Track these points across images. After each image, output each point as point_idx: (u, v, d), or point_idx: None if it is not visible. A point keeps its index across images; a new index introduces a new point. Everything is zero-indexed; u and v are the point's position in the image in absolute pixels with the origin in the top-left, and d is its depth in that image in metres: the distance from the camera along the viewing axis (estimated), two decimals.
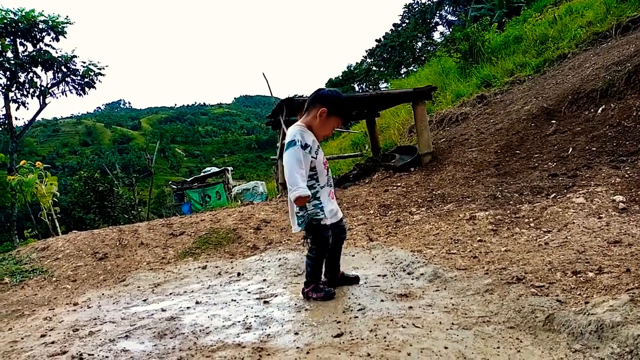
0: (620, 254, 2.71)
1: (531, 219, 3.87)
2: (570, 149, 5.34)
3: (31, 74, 15.42)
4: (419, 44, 33.99)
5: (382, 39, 38.13)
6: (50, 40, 15.17)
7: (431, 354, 1.90)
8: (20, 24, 14.33)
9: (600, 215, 3.52)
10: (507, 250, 3.23)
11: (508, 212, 4.19)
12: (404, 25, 37.46)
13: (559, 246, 3.08)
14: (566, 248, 3.00)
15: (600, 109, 5.76)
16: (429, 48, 29.28)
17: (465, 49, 11.52)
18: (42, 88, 15.57)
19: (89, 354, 2.29)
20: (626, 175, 4.23)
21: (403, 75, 26.13)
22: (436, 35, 33.75)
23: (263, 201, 9.01)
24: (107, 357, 2.24)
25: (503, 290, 2.52)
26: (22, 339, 2.69)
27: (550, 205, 4.00)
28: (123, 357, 2.21)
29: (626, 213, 3.52)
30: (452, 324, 2.20)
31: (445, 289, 2.76)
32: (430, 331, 2.13)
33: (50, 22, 14.81)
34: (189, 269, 4.13)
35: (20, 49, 14.98)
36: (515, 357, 1.86)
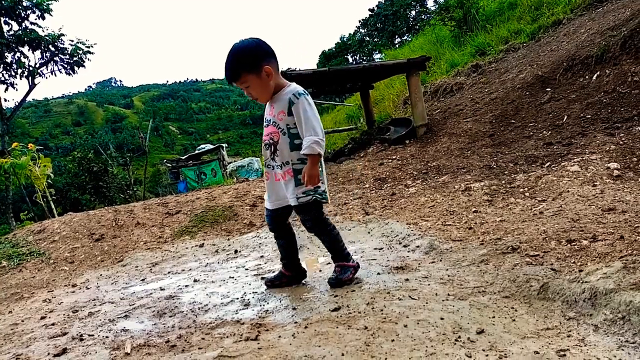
0: (614, 221, 2.73)
1: (526, 189, 3.88)
2: (565, 117, 5.32)
3: (18, 54, 15.15)
4: (413, 12, 33.47)
5: (376, 9, 37.48)
6: (35, 19, 14.86)
7: (427, 325, 1.92)
8: (3, 2, 13.99)
9: (595, 183, 3.53)
10: (502, 221, 3.24)
11: (503, 182, 4.20)
12: None
13: (553, 215, 3.09)
14: (561, 217, 3.02)
15: (595, 75, 5.72)
16: (423, 17, 28.86)
17: (459, 16, 11.35)
18: (31, 68, 15.33)
19: (89, 335, 2.31)
20: (621, 142, 4.23)
21: (397, 45, 25.80)
22: (430, 3, 33.23)
23: (258, 177, 9.00)
24: (107, 337, 2.26)
25: (498, 260, 2.54)
26: (22, 321, 2.70)
27: (545, 174, 4.01)
28: (123, 337, 2.23)
29: (620, 180, 3.53)
30: (448, 295, 2.23)
31: (441, 260, 2.78)
32: (427, 303, 2.15)
33: None
34: (186, 248, 4.14)
35: (5, 28, 14.67)
36: (510, 326, 1.88)
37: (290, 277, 2.66)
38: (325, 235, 2.56)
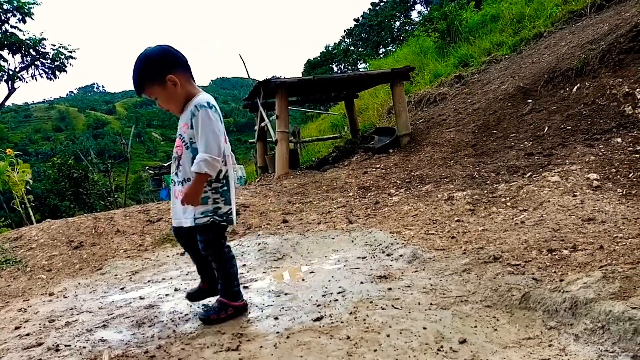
0: (595, 231, 2.77)
1: (508, 199, 3.92)
2: (546, 128, 5.41)
3: None
4: (398, 23, 33.86)
5: (361, 19, 37.85)
6: (16, 22, 14.60)
7: (410, 334, 1.91)
8: None
9: (575, 194, 3.58)
10: (484, 230, 3.27)
11: (485, 192, 4.24)
12: (382, 4, 37.19)
13: (534, 225, 3.13)
14: (542, 227, 3.05)
15: (576, 87, 5.83)
16: (407, 28, 29.21)
17: (443, 28, 11.51)
18: (11, 72, 15.05)
19: (65, 345, 2.25)
20: (600, 154, 4.31)
21: (382, 56, 26.03)
22: (414, 15, 33.69)
23: (242, 185, 8.96)
24: (84, 347, 2.20)
25: (480, 269, 2.55)
26: None
27: (526, 185, 4.05)
28: (101, 347, 2.17)
29: (600, 191, 3.59)
30: (431, 304, 2.22)
31: (424, 269, 2.78)
32: (410, 312, 2.14)
33: (15, 2, 14.25)
34: (167, 256, 4.08)
35: None
36: (492, 335, 1.88)
37: (206, 290, 2.49)
38: (219, 263, 2.32)
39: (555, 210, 3.33)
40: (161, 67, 2.18)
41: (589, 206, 3.27)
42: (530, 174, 4.40)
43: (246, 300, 2.42)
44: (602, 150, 4.36)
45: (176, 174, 2.28)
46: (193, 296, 2.53)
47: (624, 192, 3.48)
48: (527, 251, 2.64)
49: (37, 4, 14.75)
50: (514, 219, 3.41)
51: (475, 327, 1.96)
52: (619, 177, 3.80)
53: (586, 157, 4.31)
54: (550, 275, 2.26)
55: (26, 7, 14.53)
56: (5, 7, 14.17)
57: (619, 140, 4.45)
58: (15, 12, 14.43)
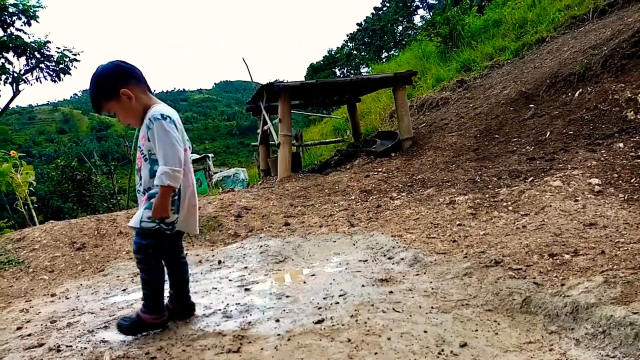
0: (596, 236, 2.77)
1: (509, 203, 3.92)
2: (548, 133, 5.41)
3: (2, 60, 14.93)
4: (400, 27, 33.90)
5: (363, 23, 37.88)
6: (21, 25, 14.68)
7: (411, 337, 1.91)
8: None
9: (577, 198, 3.58)
10: (485, 234, 3.27)
11: (487, 196, 4.24)
12: (385, 8, 37.24)
13: (536, 229, 3.13)
14: (543, 231, 3.05)
15: (578, 92, 5.83)
16: (409, 32, 29.26)
17: (445, 33, 11.51)
18: (15, 74, 15.12)
19: (67, 346, 2.26)
20: (602, 159, 4.31)
21: (384, 60, 26.07)
22: (417, 19, 33.71)
23: (244, 188, 8.97)
24: (85, 348, 2.21)
25: (481, 273, 2.55)
26: None
27: (528, 189, 4.05)
28: (102, 348, 2.18)
29: (602, 196, 3.58)
30: (432, 307, 2.23)
31: (425, 273, 2.79)
32: (410, 315, 2.15)
33: (20, 5, 14.33)
34: None
35: None
36: (493, 339, 1.88)
37: (171, 310, 2.42)
38: (144, 272, 2.27)
39: (556, 215, 3.33)
40: (114, 82, 2.20)
41: (591, 211, 3.27)
42: (531, 178, 4.40)
43: (166, 317, 2.32)
44: (604, 155, 4.36)
45: (140, 184, 2.30)
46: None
47: (626, 197, 3.48)
48: (528, 255, 2.64)
49: (42, 7, 14.84)
50: (515, 223, 3.41)
51: (476, 330, 1.96)
52: (620, 182, 3.80)
53: (588, 161, 4.31)
54: (551, 279, 2.26)
55: (31, 10, 14.61)
56: (10, 9, 14.25)
57: (621, 145, 4.45)
58: (20, 15, 14.52)
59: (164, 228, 2.23)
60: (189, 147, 2.41)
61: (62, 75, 15.76)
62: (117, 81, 2.21)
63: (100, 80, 2.23)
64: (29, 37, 14.99)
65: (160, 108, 2.22)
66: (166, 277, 2.38)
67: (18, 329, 2.64)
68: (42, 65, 15.60)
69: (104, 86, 2.22)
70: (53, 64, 15.66)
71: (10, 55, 14.99)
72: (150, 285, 2.28)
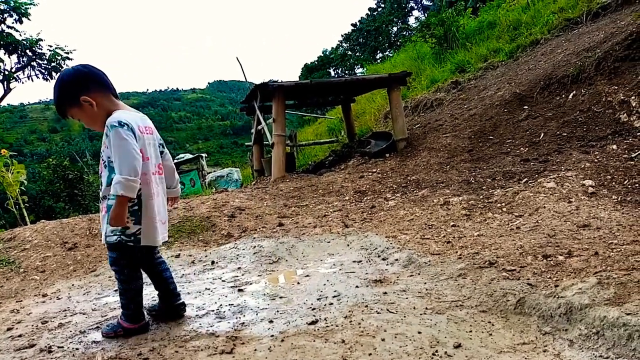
0: (589, 237, 2.78)
1: (503, 204, 3.93)
2: (542, 134, 5.43)
3: None
4: (395, 28, 33.98)
5: (358, 24, 37.94)
6: (12, 22, 14.58)
7: (405, 338, 1.91)
8: None
9: (570, 200, 3.59)
10: (479, 235, 3.27)
11: (481, 197, 4.24)
12: (379, 9, 37.32)
13: (530, 230, 3.13)
14: (537, 232, 3.06)
15: (571, 94, 5.86)
16: (404, 33, 29.30)
17: (440, 34, 11.55)
18: (6, 72, 15.01)
19: (58, 347, 2.23)
20: (595, 160, 4.33)
21: (379, 60, 26.13)
22: (412, 20, 33.81)
23: (237, 188, 8.94)
24: (77, 349, 2.19)
25: (475, 274, 2.55)
26: None
27: (522, 190, 4.06)
28: (94, 349, 2.16)
29: (595, 197, 3.60)
30: (426, 308, 2.22)
31: (419, 274, 2.78)
32: (404, 316, 2.14)
33: (12, 2, 14.23)
34: None
35: None
36: (487, 340, 1.88)
37: (161, 309, 2.48)
38: (119, 282, 2.31)
39: (550, 216, 3.34)
40: (74, 89, 2.17)
41: (584, 212, 3.28)
42: (525, 179, 4.41)
43: (145, 322, 2.33)
44: (597, 157, 4.38)
45: (101, 190, 2.28)
46: (151, 313, 2.50)
47: (619, 199, 3.50)
48: (522, 256, 2.65)
49: (34, 4, 14.74)
50: (510, 224, 3.41)
51: (470, 331, 1.96)
52: (614, 183, 3.82)
53: (581, 163, 4.33)
54: (545, 280, 2.27)
55: (23, 8, 14.51)
56: (1, 7, 14.14)
57: (614, 147, 4.48)
58: (11, 12, 14.41)
59: (124, 240, 2.20)
60: (158, 154, 2.39)
61: (54, 74, 15.67)
62: (78, 88, 2.17)
63: (61, 87, 2.20)
64: (21, 35, 14.89)
65: (119, 115, 2.17)
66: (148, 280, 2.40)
67: (8, 329, 2.61)
68: (33, 63, 15.50)
69: (65, 93, 2.19)
70: (45, 62, 15.57)
71: (1, 53, 14.89)
72: (126, 294, 2.30)
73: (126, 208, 2.09)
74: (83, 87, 2.17)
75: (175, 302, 2.46)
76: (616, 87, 5.34)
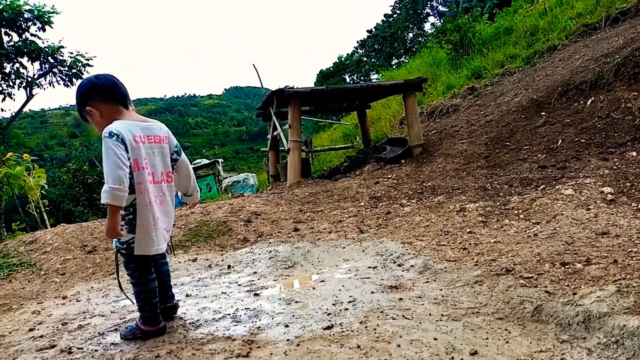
0: (608, 245, 2.74)
1: (520, 211, 3.90)
2: (560, 141, 5.37)
3: (17, 65, 15.16)
4: (410, 34, 33.93)
5: (374, 30, 37.96)
6: (36, 30, 14.91)
7: (421, 345, 1.91)
8: (4, 14, 14.06)
9: (589, 207, 3.55)
10: (496, 242, 3.25)
11: (498, 203, 4.21)
12: (395, 15, 37.32)
13: (547, 237, 3.10)
14: (555, 239, 3.02)
15: (590, 100, 5.80)
16: (420, 39, 29.25)
17: (456, 40, 11.51)
18: (29, 79, 15.34)
19: (78, 348, 2.28)
20: (614, 167, 4.27)
21: (394, 66, 26.08)
22: (427, 26, 33.72)
23: (253, 193, 8.99)
24: (96, 350, 2.23)
25: (492, 281, 2.53)
26: (9, 333, 2.66)
27: (539, 197, 4.02)
28: (113, 351, 2.20)
29: (614, 204, 3.55)
30: (442, 315, 2.22)
31: (435, 280, 2.77)
32: (420, 322, 2.14)
33: (35, 11, 14.56)
34: (179, 262, 4.11)
35: (5, 39, 14.70)
36: (503, 347, 1.87)
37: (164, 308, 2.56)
38: (134, 286, 2.39)
39: (568, 223, 3.30)
40: (83, 98, 2.34)
41: (603, 220, 3.24)
42: (543, 186, 4.37)
43: (163, 325, 2.37)
44: (617, 164, 4.32)
45: None
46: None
47: (639, 206, 3.44)
48: (539, 264, 2.62)
49: (57, 13, 15.07)
50: (527, 231, 3.38)
51: (487, 338, 1.95)
52: (633, 190, 3.76)
53: (600, 170, 4.27)
54: (563, 288, 2.24)
55: (46, 16, 14.84)
56: (25, 15, 14.49)
57: (634, 153, 4.41)
58: (35, 21, 14.75)
59: (119, 247, 2.30)
60: (167, 162, 2.44)
61: (74, 80, 15.96)
62: (85, 97, 2.34)
63: (76, 95, 2.38)
64: (43, 42, 15.22)
65: (114, 125, 2.24)
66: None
67: (30, 330, 2.67)
68: (55, 70, 15.82)
69: (77, 100, 2.37)
70: (66, 68, 15.87)
71: (24, 60, 15.22)
72: (139, 297, 2.37)
73: (118, 217, 2.15)
74: (88, 96, 2.33)
75: (165, 302, 2.53)
76: (636, 93, 5.26)
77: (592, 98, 5.78)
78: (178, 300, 2.71)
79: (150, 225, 2.30)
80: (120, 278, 2.49)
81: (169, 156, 2.46)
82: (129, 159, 2.19)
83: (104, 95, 2.34)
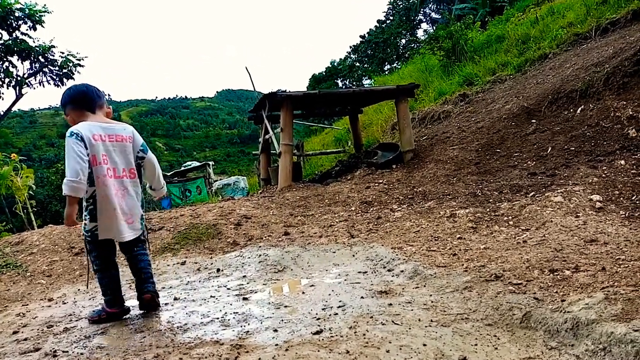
0: (597, 252, 2.76)
1: (510, 217, 3.92)
2: (550, 148, 5.42)
3: (7, 64, 14.99)
4: (403, 41, 34.10)
5: (366, 35, 38.11)
6: (27, 29, 14.75)
7: (410, 350, 1.90)
8: None
9: (578, 214, 3.58)
10: (486, 248, 3.26)
11: (488, 210, 4.23)
12: (388, 22, 37.50)
13: (536, 244, 3.12)
14: (544, 246, 3.04)
15: (580, 109, 5.85)
16: (412, 45, 29.39)
17: (448, 47, 11.59)
18: (19, 78, 15.18)
19: (63, 351, 2.24)
20: (603, 175, 4.31)
21: (387, 72, 26.19)
22: (420, 33, 33.89)
23: (244, 196, 8.96)
24: (82, 353, 2.20)
25: (481, 287, 2.54)
26: None
27: (529, 204, 4.05)
28: (98, 354, 2.17)
29: (603, 212, 3.58)
30: (431, 321, 2.21)
31: (424, 286, 2.77)
32: (410, 328, 2.13)
33: (27, 10, 14.42)
34: (168, 265, 4.07)
35: None
36: (492, 354, 1.87)
37: (137, 296, 2.79)
38: (95, 272, 2.74)
39: (557, 230, 3.32)
40: (62, 106, 2.78)
41: (592, 227, 3.26)
42: (532, 193, 4.39)
43: (125, 308, 2.71)
44: (605, 172, 4.36)
45: None
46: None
47: (627, 214, 3.48)
48: (528, 270, 2.63)
49: (48, 12, 14.94)
50: (516, 237, 3.40)
51: (476, 345, 1.95)
52: (621, 199, 3.80)
53: (589, 178, 4.31)
54: (552, 295, 2.25)
55: (37, 15, 14.69)
56: (16, 14, 14.35)
57: (622, 162, 4.46)
58: (26, 19, 14.61)
59: (85, 235, 2.65)
60: (129, 160, 2.72)
61: (65, 80, 15.80)
62: (63, 105, 2.77)
63: (60, 103, 2.82)
64: (34, 42, 15.06)
65: (76, 126, 2.58)
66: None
67: (14, 333, 2.63)
68: (45, 70, 15.66)
69: (62, 107, 2.79)
70: (57, 68, 15.71)
71: (14, 59, 15.05)
72: (101, 282, 2.70)
73: (74, 207, 2.49)
74: (65, 104, 2.76)
75: (142, 291, 2.72)
76: (625, 103, 5.32)
77: (582, 106, 5.84)
78: (159, 291, 2.93)
79: (111, 214, 2.58)
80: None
81: (133, 154, 2.75)
82: (88, 154, 2.50)
83: (74, 102, 2.73)
